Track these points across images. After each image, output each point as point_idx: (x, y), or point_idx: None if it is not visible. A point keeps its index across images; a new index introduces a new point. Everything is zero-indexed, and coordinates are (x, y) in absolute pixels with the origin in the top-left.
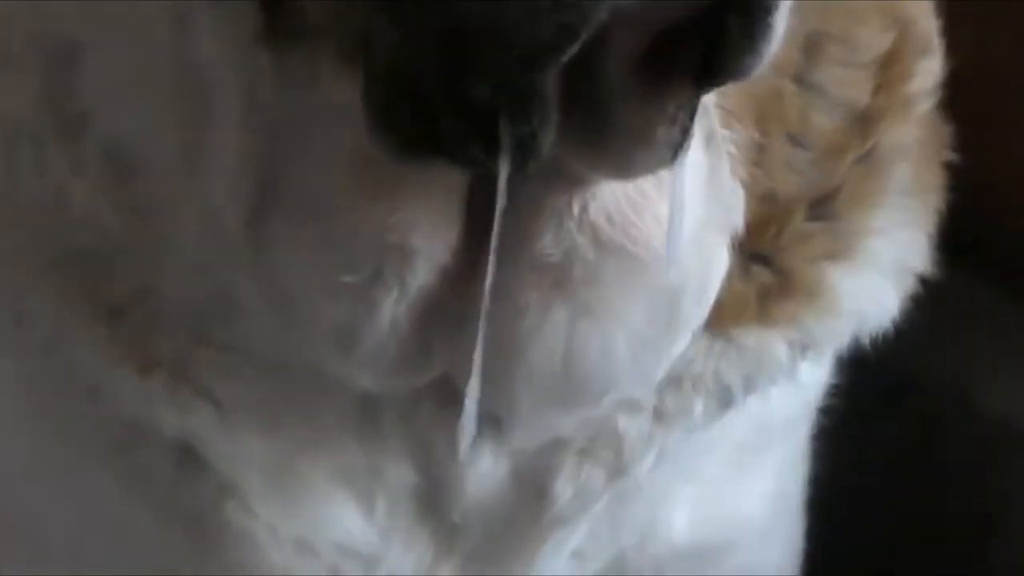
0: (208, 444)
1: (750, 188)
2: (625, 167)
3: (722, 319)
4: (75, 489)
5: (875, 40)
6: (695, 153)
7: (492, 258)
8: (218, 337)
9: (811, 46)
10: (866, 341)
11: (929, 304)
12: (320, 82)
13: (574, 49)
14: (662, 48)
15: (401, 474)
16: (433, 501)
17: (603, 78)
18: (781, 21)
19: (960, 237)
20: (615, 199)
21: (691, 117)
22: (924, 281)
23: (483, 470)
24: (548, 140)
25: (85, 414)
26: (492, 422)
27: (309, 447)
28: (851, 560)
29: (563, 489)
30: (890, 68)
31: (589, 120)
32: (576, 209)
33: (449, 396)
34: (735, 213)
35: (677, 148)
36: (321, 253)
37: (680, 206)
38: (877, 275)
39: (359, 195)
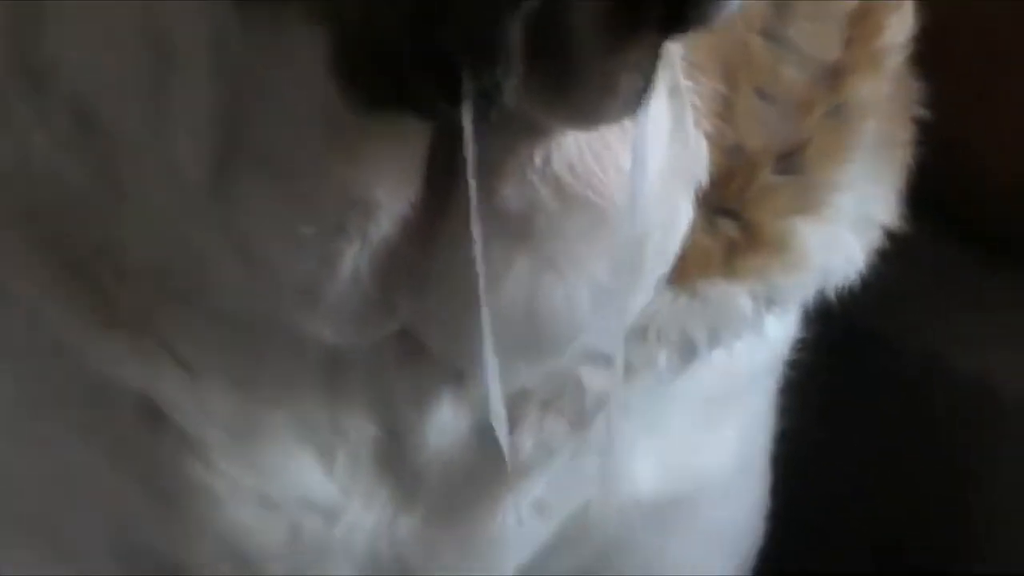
0: (171, 399)
1: (715, 141)
2: (589, 116)
3: (687, 273)
4: (37, 444)
5: None
6: (659, 105)
7: (473, 214)
8: (182, 292)
9: (781, 1)
10: (832, 295)
11: (902, 265)
12: (286, 36)
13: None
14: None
15: (363, 427)
16: (394, 455)
17: (567, 26)
18: None
19: (933, 198)
20: (578, 150)
21: (655, 65)
22: (897, 242)
23: (444, 423)
24: (512, 90)
25: (48, 368)
26: (454, 374)
27: (272, 402)
28: (822, 519)
29: (524, 441)
30: (860, 22)
31: (553, 69)
32: (539, 160)
33: (411, 349)
34: (699, 165)
35: (640, 97)
36: (285, 206)
37: (643, 156)
38: (844, 229)
39: (323, 149)
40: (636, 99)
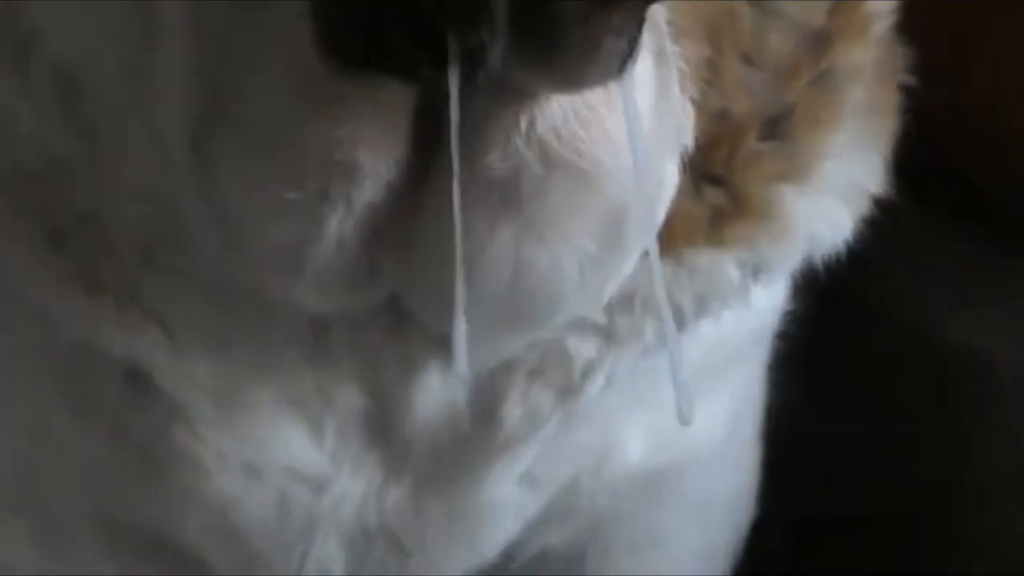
0: (156, 367)
1: (701, 106)
2: (573, 79)
3: (673, 240)
4: (24, 413)
5: None
6: (644, 69)
7: (455, 177)
8: (166, 260)
9: None
10: (819, 263)
11: (888, 233)
12: None
13: None
14: None
15: (350, 397)
16: (382, 424)
17: None
18: None
19: (921, 165)
20: (563, 114)
21: (639, 28)
22: (883, 209)
23: (432, 392)
24: (497, 52)
25: (33, 338)
26: (442, 344)
27: (258, 370)
28: (811, 494)
29: (512, 410)
30: None
31: (538, 31)
32: (523, 124)
33: (398, 318)
34: (684, 131)
35: (625, 59)
36: (268, 171)
37: (637, 119)
38: (831, 197)
39: (306, 112)
40: (620, 62)
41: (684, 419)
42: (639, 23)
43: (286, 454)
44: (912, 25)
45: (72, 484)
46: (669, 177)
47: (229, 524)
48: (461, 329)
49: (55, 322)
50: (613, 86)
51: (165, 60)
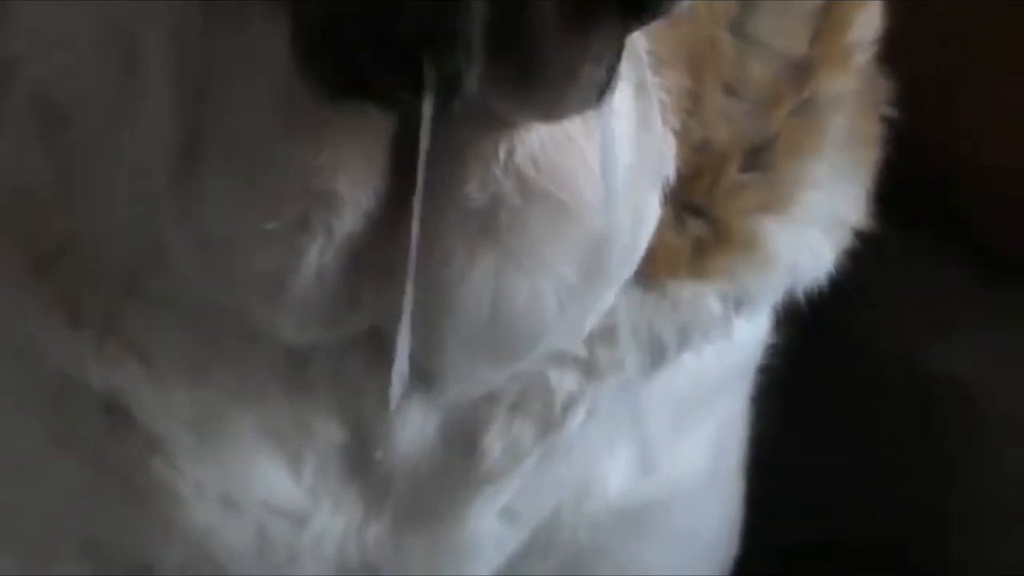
0: (135, 399)
1: (683, 137)
2: (551, 108)
3: (655, 272)
4: (7, 441)
5: None
6: (625, 100)
7: (417, 201)
8: (147, 289)
9: None
10: (801, 295)
11: (870, 262)
12: (247, 25)
13: None
14: None
15: (330, 430)
16: (362, 458)
17: (529, 15)
18: None
19: (904, 195)
20: (542, 143)
21: (617, 57)
22: (865, 239)
23: (412, 426)
24: (473, 78)
25: (15, 367)
26: (421, 376)
27: (237, 402)
28: (795, 523)
29: (493, 444)
30: (827, 18)
31: (515, 58)
32: (502, 154)
33: (379, 350)
34: (666, 162)
35: (603, 88)
36: (247, 199)
37: (612, 150)
38: (812, 228)
39: (285, 140)
40: (599, 91)
41: (648, 469)
42: (618, 51)
43: (264, 487)
44: (898, 53)
45: (56, 512)
46: (651, 208)
47: (208, 555)
48: (406, 333)
49: (37, 352)
50: (593, 116)
51: (146, 87)
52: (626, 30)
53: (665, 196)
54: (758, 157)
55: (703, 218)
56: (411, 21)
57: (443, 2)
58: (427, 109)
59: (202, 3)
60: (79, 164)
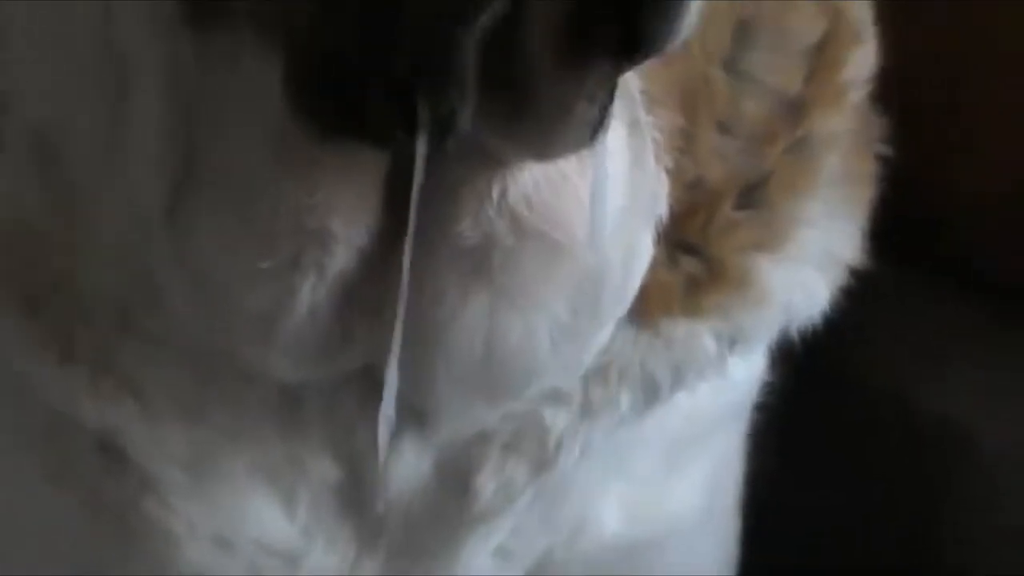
0: (129, 437)
1: (676, 175)
2: (544, 147)
3: (649, 310)
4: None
5: (807, 28)
6: (618, 139)
7: (408, 239)
8: (140, 327)
9: (741, 33)
10: (796, 334)
11: (868, 305)
12: (241, 63)
13: (486, 18)
14: (581, 24)
15: (323, 469)
16: (356, 497)
17: (522, 54)
18: None
19: (899, 233)
20: (535, 182)
21: (610, 96)
22: (860, 277)
23: (406, 464)
24: (467, 117)
25: (8, 401)
26: (415, 415)
27: (231, 440)
28: (789, 561)
29: (486, 483)
30: (821, 56)
31: (508, 97)
32: (495, 193)
33: (373, 388)
34: (659, 201)
35: (596, 128)
36: (240, 237)
37: (602, 189)
38: (807, 266)
39: (278, 179)
40: (592, 130)
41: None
42: (611, 90)
43: (258, 526)
44: (894, 88)
45: (50, 549)
46: (644, 247)
47: None
48: (393, 373)
49: (30, 389)
50: (587, 155)
51: (140, 124)
52: (620, 69)
53: (658, 234)
54: (752, 195)
55: (697, 256)
56: (405, 61)
57: (437, 42)
58: (421, 148)
59: (194, 40)
60: (73, 200)
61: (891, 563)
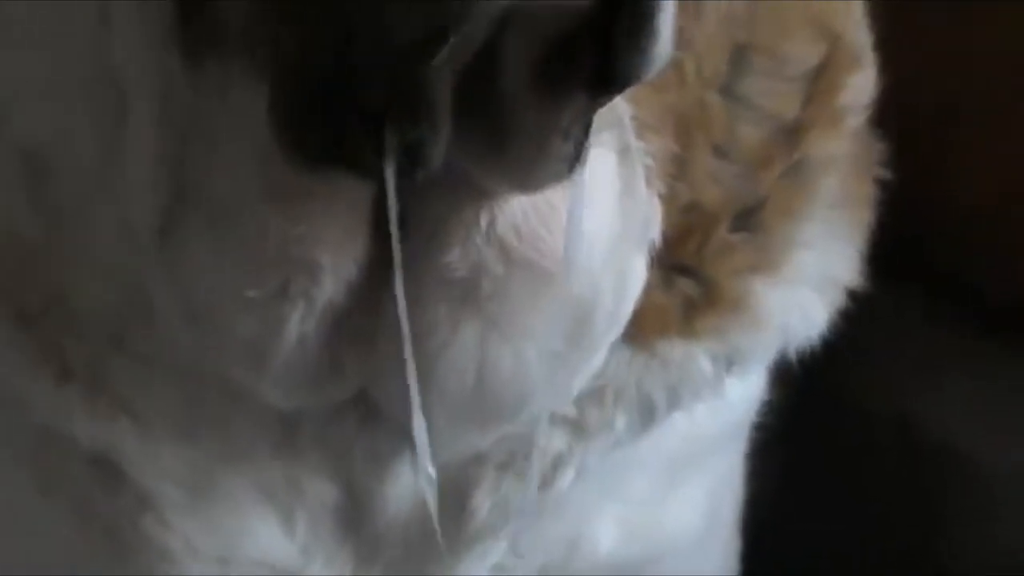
0: (125, 455)
1: (671, 200)
2: (524, 179)
3: (645, 332)
4: None
5: (804, 54)
6: (608, 167)
7: (397, 269)
8: (134, 346)
9: (738, 59)
10: (794, 356)
11: (866, 326)
12: (231, 91)
13: (457, 55)
14: (556, 60)
15: (321, 489)
16: (354, 516)
17: (498, 89)
18: (667, 24)
19: (900, 257)
20: (523, 212)
21: (585, 132)
22: (860, 303)
23: (403, 484)
24: (438, 148)
25: (3, 423)
26: (410, 437)
27: (228, 461)
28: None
29: (481, 503)
30: (820, 81)
31: (486, 131)
32: (483, 222)
33: (369, 411)
34: (651, 226)
35: (573, 162)
36: (229, 266)
37: (578, 220)
38: (804, 288)
39: (265, 207)
40: (569, 164)
41: None
42: (586, 125)
43: (256, 546)
44: (891, 107)
45: (42, 562)
46: (636, 273)
47: None
48: (422, 432)
49: (24, 409)
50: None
51: (134, 148)
52: (595, 104)
53: (653, 257)
54: (748, 218)
55: (693, 278)
56: (376, 93)
57: (403, 73)
58: (390, 176)
59: (187, 68)
60: (65, 218)
61: None
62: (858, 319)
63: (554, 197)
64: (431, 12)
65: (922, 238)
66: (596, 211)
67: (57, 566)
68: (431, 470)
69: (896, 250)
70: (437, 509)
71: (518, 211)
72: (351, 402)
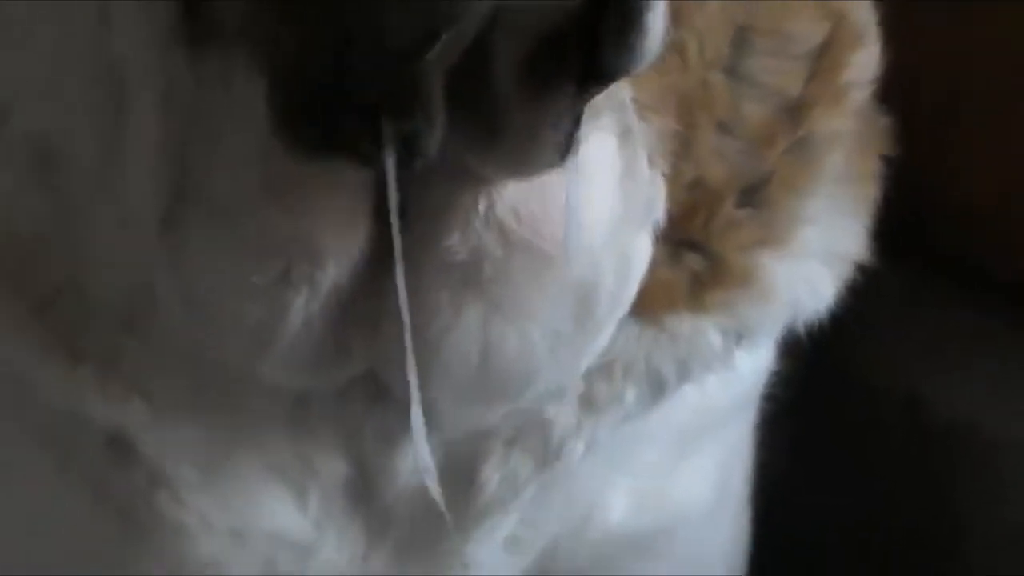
0: (139, 435)
1: (675, 178)
2: (517, 167)
3: (653, 307)
4: (8, 473)
5: (808, 32)
6: (607, 151)
7: (397, 258)
8: (145, 329)
9: (740, 40)
10: (802, 330)
11: (873, 303)
12: (232, 83)
13: (435, 48)
14: (544, 56)
15: (333, 466)
16: (364, 492)
17: (490, 81)
18: (657, 20)
19: (906, 235)
20: (522, 196)
21: (575, 121)
22: (867, 279)
23: (412, 462)
24: (434, 139)
25: (15, 400)
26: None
27: (241, 439)
28: (796, 556)
29: (490, 477)
30: (823, 58)
31: (480, 121)
32: (482, 207)
33: (378, 390)
34: (655, 206)
35: (564, 151)
36: (232, 254)
37: (575, 204)
38: (811, 262)
39: (267, 196)
40: (560, 152)
41: None
42: (575, 116)
43: (270, 520)
44: (896, 86)
45: (57, 542)
46: (639, 252)
47: None
48: (420, 428)
49: (38, 391)
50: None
51: (136, 139)
52: (584, 96)
53: (659, 234)
54: (754, 194)
55: (700, 253)
56: (370, 81)
57: (398, 64)
58: (389, 166)
59: (189, 59)
60: (75, 207)
61: (897, 558)
62: (865, 296)
63: (553, 181)
64: (424, 13)
65: (927, 216)
66: (596, 194)
67: (73, 543)
68: (429, 461)
69: (902, 228)
70: (441, 493)
71: (517, 195)
72: (359, 381)
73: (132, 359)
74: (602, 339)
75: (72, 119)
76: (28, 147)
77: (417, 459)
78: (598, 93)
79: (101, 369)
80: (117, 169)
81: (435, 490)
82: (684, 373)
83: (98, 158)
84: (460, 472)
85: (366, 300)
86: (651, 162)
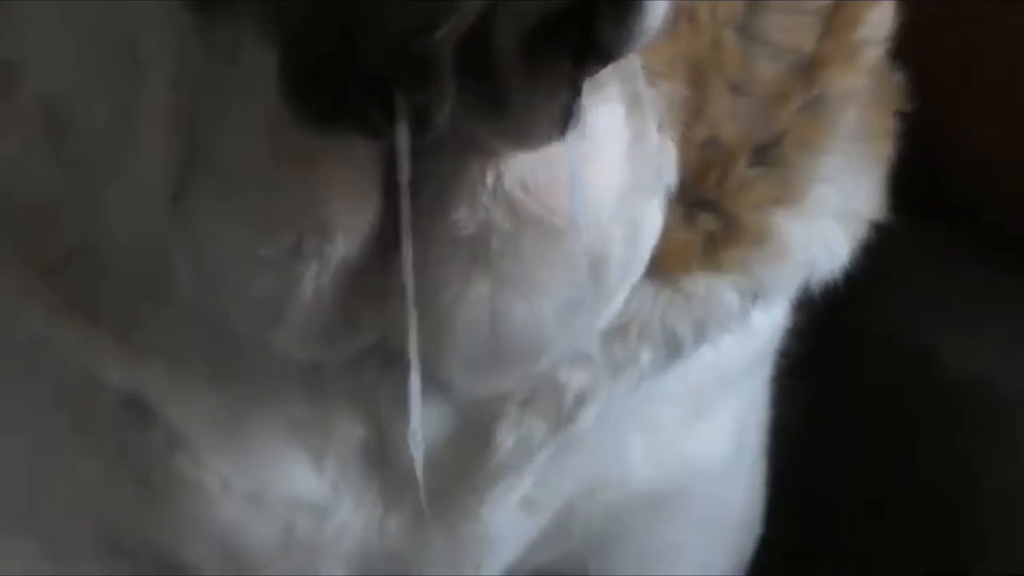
0: (156, 397)
1: (688, 139)
2: (520, 140)
3: (668, 267)
4: (27, 440)
5: None
6: (616, 119)
7: (405, 230)
8: (160, 292)
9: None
10: (817, 288)
11: (887, 259)
12: (242, 52)
13: (448, 25)
14: (543, 34)
15: (350, 430)
16: (381, 456)
17: (493, 54)
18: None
19: (920, 191)
20: (530, 168)
21: (574, 95)
22: (884, 238)
23: (428, 421)
24: (444, 110)
25: (35, 366)
26: (432, 378)
27: (258, 402)
28: (809, 516)
29: (506, 438)
30: (837, 15)
31: (484, 93)
32: (490, 179)
33: (390, 357)
34: (666, 172)
35: (566, 123)
36: (242, 225)
37: (580, 177)
38: (826, 221)
39: (277, 168)
40: (562, 125)
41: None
42: (574, 90)
43: (289, 483)
44: (912, 45)
45: (78, 508)
46: (651, 219)
47: (232, 549)
48: (418, 424)
49: (55, 352)
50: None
51: (147, 106)
52: (583, 72)
53: (671, 197)
54: (767, 153)
55: (713, 213)
56: (381, 52)
57: (410, 34)
58: (401, 137)
59: (199, 29)
60: (88, 169)
61: (910, 514)
62: (880, 251)
63: (561, 153)
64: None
65: (942, 172)
66: (604, 164)
67: (92, 513)
68: (419, 437)
69: (916, 184)
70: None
71: (525, 167)
72: (372, 349)
73: (147, 323)
74: (613, 307)
75: (85, 83)
76: (40, 112)
77: (410, 433)
78: (599, 70)
79: (118, 331)
80: (128, 138)
81: (419, 463)
82: (700, 333)
83: (111, 123)
84: (475, 434)
85: (376, 273)
86: (661, 128)
